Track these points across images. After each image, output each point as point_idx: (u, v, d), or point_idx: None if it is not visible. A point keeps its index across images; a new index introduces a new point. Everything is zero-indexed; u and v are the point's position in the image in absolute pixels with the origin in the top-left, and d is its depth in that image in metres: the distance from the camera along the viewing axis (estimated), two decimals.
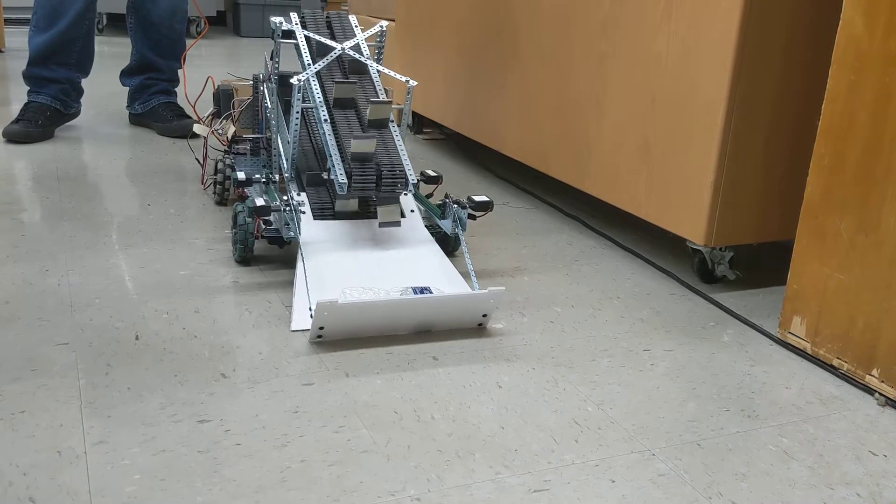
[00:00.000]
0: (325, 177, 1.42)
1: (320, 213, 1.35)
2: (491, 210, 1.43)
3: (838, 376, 1.14)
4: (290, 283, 1.32)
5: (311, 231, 1.31)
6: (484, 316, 1.20)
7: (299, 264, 1.25)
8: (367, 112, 1.35)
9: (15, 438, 0.88)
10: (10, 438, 0.88)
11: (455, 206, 1.37)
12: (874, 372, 1.10)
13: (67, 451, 0.87)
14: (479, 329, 1.22)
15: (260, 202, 1.30)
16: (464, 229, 1.37)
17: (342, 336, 1.15)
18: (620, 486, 0.87)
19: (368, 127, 1.34)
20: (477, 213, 1.41)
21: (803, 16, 1.30)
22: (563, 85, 1.68)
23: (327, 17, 1.53)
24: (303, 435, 0.92)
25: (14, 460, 0.85)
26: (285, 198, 1.33)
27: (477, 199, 1.40)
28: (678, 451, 0.94)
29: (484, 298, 1.18)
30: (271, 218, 1.37)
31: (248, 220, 1.35)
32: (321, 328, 1.13)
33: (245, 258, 1.40)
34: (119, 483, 0.82)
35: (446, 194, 1.42)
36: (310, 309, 1.17)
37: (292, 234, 1.30)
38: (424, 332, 1.19)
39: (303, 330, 1.17)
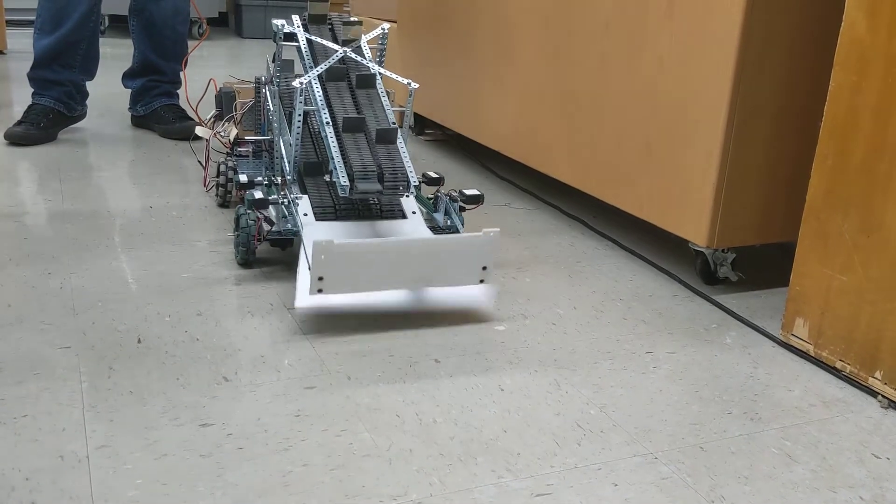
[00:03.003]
0: (328, 179, 1.42)
1: (322, 214, 1.35)
2: (482, 203, 1.44)
3: (841, 378, 1.14)
4: (292, 286, 1.32)
5: (314, 232, 1.31)
6: (484, 269, 1.22)
7: (301, 248, 1.25)
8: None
9: (17, 442, 0.88)
10: (12, 442, 0.88)
11: (447, 198, 1.40)
12: (877, 374, 1.09)
13: (70, 456, 0.87)
14: (480, 330, 1.21)
15: (258, 194, 1.31)
16: (461, 223, 1.38)
17: (342, 289, 1.14)
18: (623, 489, 0.87)
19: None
20: (468, 206, 1.43)
21: (806, 15, 1.30)
22: (565, 85, 1.68)
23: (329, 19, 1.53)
24: (305, 439, 0.92)
25: (16, 465, 0.85)
26: (283, 192, 1.34)
27: (468, 192, 1.43)
28: (681, 454, 0.94)
29: (481, 242, 1.20)
30: (273, 218, 1.37)
31: (251, 222, 1.35)
32: (321, 278, 1.12)
33: (247, 261, 1.40)
34: (121, 487, 0.82)
35: (437, 189, 1.43)
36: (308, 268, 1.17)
37: (289, 225, 1.30)
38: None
39: (307, 307, 1.18)
